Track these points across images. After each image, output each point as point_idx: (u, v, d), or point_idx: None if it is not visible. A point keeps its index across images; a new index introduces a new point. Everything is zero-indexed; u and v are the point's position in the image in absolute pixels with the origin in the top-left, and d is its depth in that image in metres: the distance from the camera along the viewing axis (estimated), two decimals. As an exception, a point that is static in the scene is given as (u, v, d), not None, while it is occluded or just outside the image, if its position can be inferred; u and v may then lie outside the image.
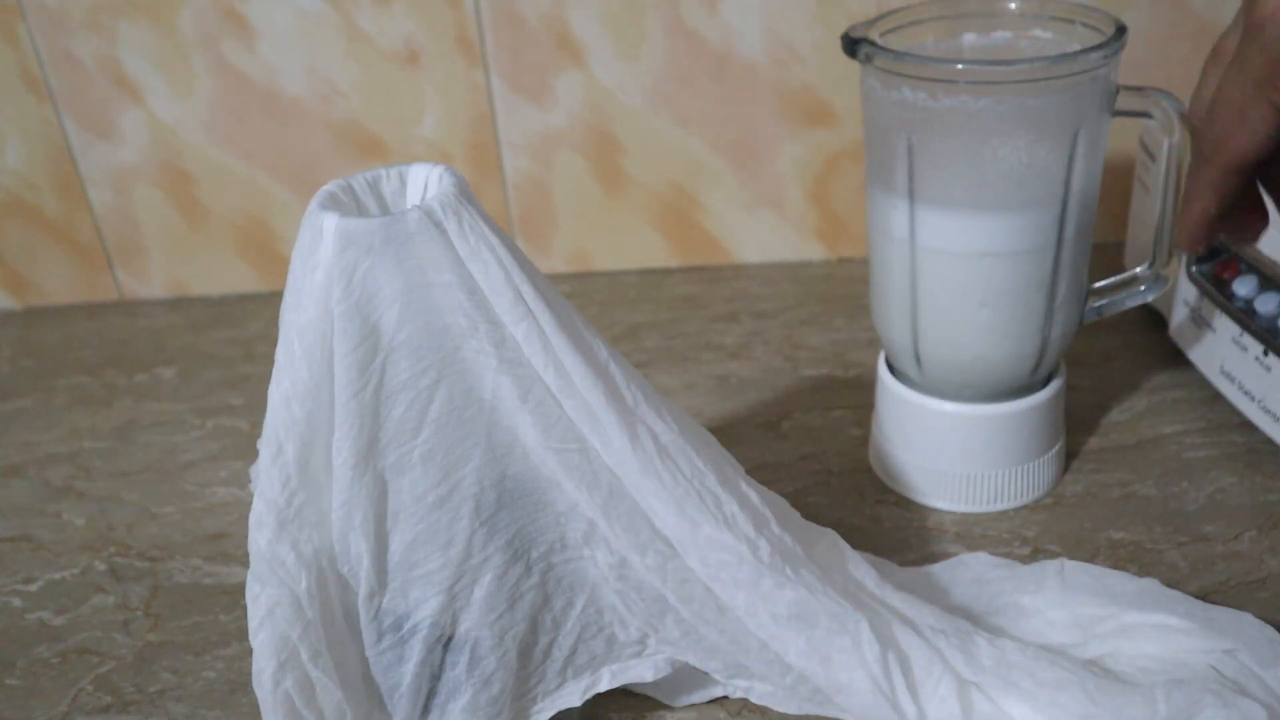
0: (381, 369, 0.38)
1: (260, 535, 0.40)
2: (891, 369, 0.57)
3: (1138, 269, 0.54)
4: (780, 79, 0.74)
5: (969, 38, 0.52)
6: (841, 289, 0.77)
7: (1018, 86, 0.45)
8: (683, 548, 0.41)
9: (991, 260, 0.49)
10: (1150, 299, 0.53)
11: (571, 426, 0.40)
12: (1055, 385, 0.54)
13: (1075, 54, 0.45)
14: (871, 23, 0.50)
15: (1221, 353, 0.57)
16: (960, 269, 0.50)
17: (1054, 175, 0.48)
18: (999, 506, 0.55)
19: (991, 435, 0.53)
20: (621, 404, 0.40)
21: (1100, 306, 0.54)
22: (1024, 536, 0.53)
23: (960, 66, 0.45)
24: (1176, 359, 0.64)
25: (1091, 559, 0.51)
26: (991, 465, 0.54)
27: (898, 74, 0.47)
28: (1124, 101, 0.49)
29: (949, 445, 0.54)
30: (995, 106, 0.46)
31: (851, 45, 0.48)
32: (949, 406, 0.53)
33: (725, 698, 0.46)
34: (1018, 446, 0.54)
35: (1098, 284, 0.54)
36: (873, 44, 0.48)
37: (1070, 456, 0.58)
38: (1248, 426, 0.58)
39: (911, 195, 0.49)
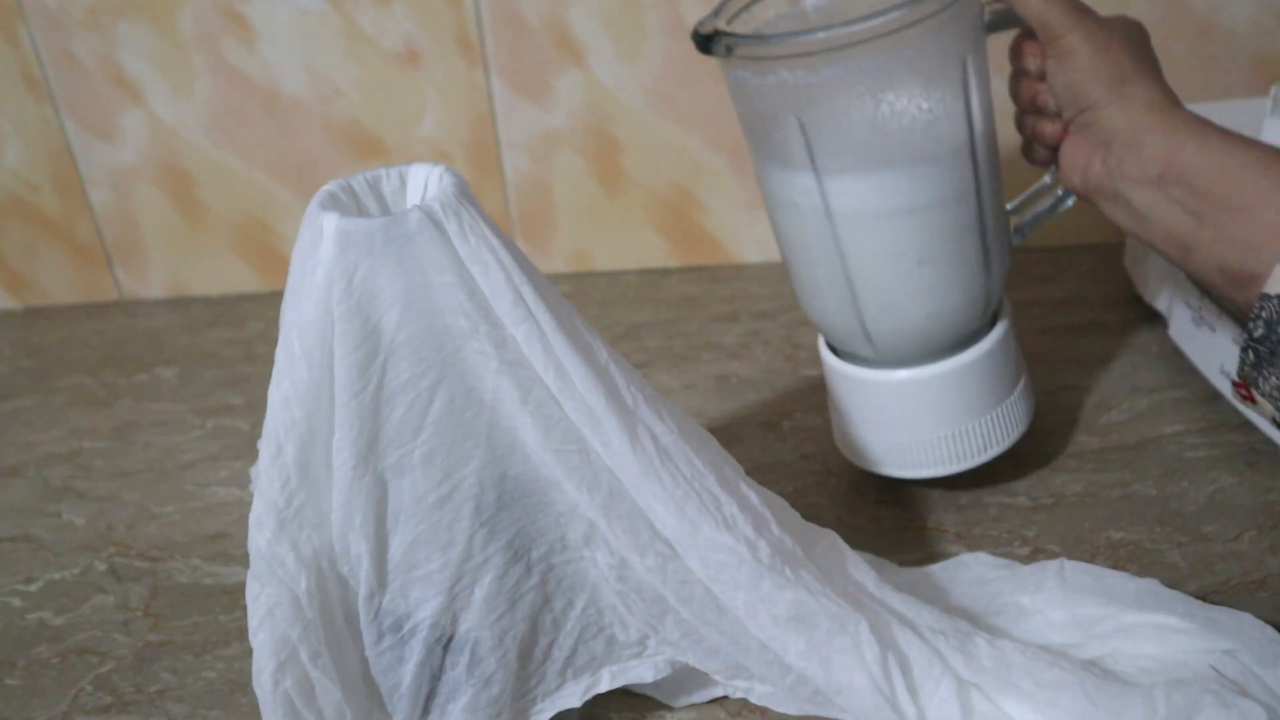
0: (382, 370, 0.38)
1: (260, 535, 0.40)
2: (834, 352, 0.55)
3: (1046, 176, 0.53)
4: (780, 79, 0.74)
5: (810, 1, 0.50)
6: (841, 289, 0.77)
7: (898, 36, 0.44)
8: (683, 549, 0.41)
9: (918, 216, 0.48)
10: (1071, 203, 0.53)
11: (572, 427, 0.40)
12: (1004, 324, 0.53)
13: None
14: (715, 14, 0.47)
15: (1221, 353, 0.57)
16: (887, 231, 0.48)
17: (955, 114, 0.47)
18: (986, 456, 0.53)
19: (960, 388, 0.52)
20: (621, 405, 0.40)
21: (1025, 226, 0.53)
22: (1024, 536, 0.53)
23: (840, 30, 0.43)
24: (1176, 359, 0.64)
25: (1091, 559, 0.51)
26: (967, 418, 0.52)
27: (768, 59, 0.45)
28: (992, 15, 0.48)
29: (922, 411, 0.52)
30: (882, 63, 0.44)
31: (705, 42, 0.45)
32: (910, 373, 0.52)
33: (725, 698, 0.46)
34: (988, 391, 0.52)
35: (1012, 205, 0.53)
36: (731, 35, 0.45)
37: (1070, 456, 0.58)
38: (1248, 426, 0.58)
39: (816, 168, 0.47)
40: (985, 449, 0.54)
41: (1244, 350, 0.42)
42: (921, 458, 0.54)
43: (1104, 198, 0.47)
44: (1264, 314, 0.41)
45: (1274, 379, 0.42)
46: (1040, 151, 0.51)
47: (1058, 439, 0.59)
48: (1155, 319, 0.68)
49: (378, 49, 0.74)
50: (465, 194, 0.39)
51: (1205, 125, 0.44)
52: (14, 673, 0.50)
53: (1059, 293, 0.73)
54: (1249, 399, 0.44)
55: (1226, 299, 0.45)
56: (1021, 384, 0.55)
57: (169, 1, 0.73)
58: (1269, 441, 0.57)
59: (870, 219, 0.48)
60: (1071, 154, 0.48)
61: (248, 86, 0.75)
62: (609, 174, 0.78)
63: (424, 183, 0.41)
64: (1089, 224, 0.78)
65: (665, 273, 0.81)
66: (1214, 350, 0.58)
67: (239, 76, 0.75)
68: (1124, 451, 0.58)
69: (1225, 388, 0.58)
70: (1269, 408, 0.43)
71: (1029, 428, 0.55)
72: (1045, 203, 0.53)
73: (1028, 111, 0.50)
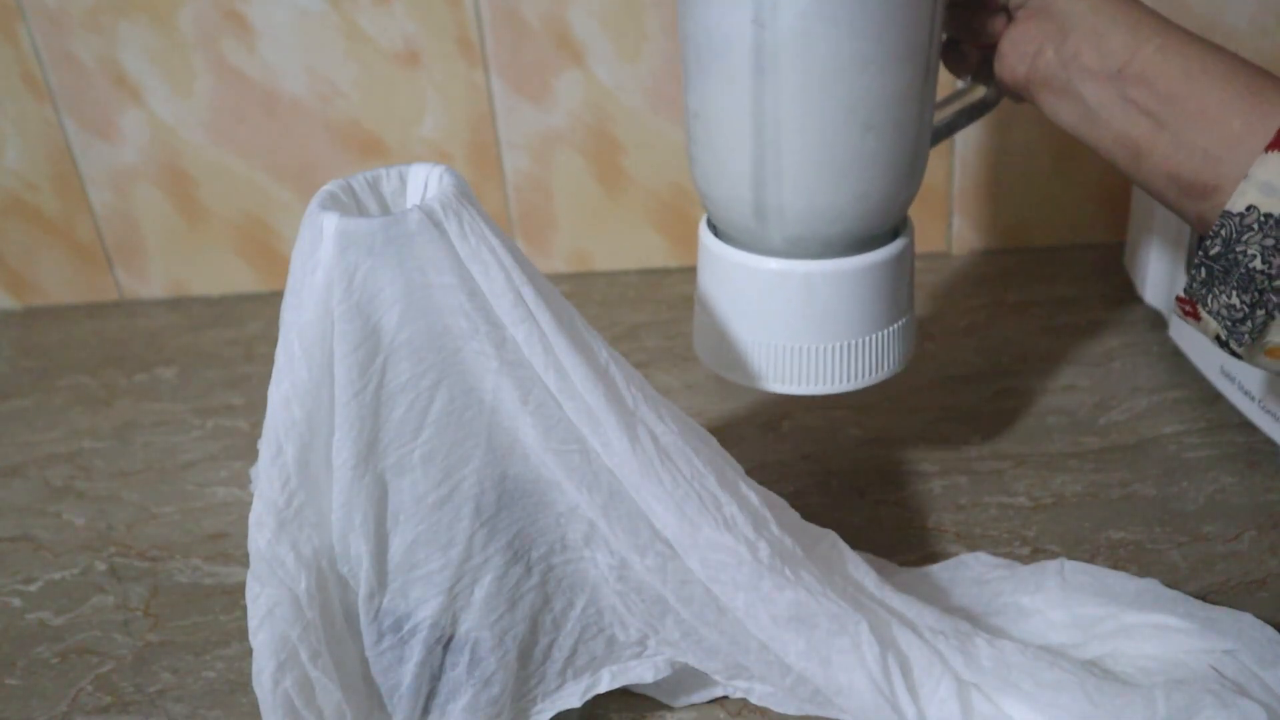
0: (382, 370, 0.38)
1: (260, 535, 0.40)
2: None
3: (959, 83, 0.51)
4: (780, 79, 0.74)
5: None
6: (841, 289, 0.77)
7: None
8: (683, 549, 0.41)
9: (873, 70, 0.43)
10: (988, 109, 0.51)
11: (572, 428, 0.40)
12: (909, 235, 0.50)
13: None
14: None
15: (1222, 353, 0.57)
16: (839, 83, 0.43)
17: None
18: (875, 378, 0.50)
19: (870, 290, 0.48)
20: (621, 405, 0.40)
21: (947, 124, 0.51)
22: (1024, 536, 0.53)
23: None
24: (1176, 359, 0.64)
25: (1091, 559, 0.51)
26: (868, 326, 0.49)
27: None
28: None
29: (825, 312, 0.48)
30: None
31: None
32: (824, 264, 0.47)
33: (725, 698, 0.46)
34: (892, 301, 0.49)
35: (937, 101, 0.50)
36: None
37: (1070, 456, 0.58)
38: (1248, 426, 0.58)
39: None
40: (878, 369, 0.49)
41: (1197, 267, 0.41)
42: (808, 370, 0.49)
43: (1051, 91, 0.45)
44: (1223, 232, 0.40)
45: (1224, 297, 0.41)
46: (968, 53, 0.48)
47: (1058, 439, 0.59)
48: (1155, 319, 0.68)
49: (377, 49, 0.74)
50: (465, 194, 0.39)
51: (1169, 24, 0.43)
52: (14, 673, 0.50)
53: (1059, 293, 0.73)
54: (1193, 315, 0.43)
55: (1175, 210, 0.43)
56: (913, 313, 0.51)
57: (169, 1, 0.73)
58: (1269, 441, 0.57)
59: (825, 45, 0.43)
60: (1019, 40, 0.45)
61: (248, 86, 0.75)
62: (609, 174, 0.78)
63: (424, 183, 0.41)
64: (1089, 224, 0.78)
65: (665, 273, 0.81)
66: (1214, 350, 0.58)
67: (239, 76, 0.75)
68: (1124, 451, 0.58)
69: (1225, 388, 0.58)
70: (1213, 325, 0.42)
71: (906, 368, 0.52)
72: (958, 107, 0.51)
73: (965, 4, 0.47)
